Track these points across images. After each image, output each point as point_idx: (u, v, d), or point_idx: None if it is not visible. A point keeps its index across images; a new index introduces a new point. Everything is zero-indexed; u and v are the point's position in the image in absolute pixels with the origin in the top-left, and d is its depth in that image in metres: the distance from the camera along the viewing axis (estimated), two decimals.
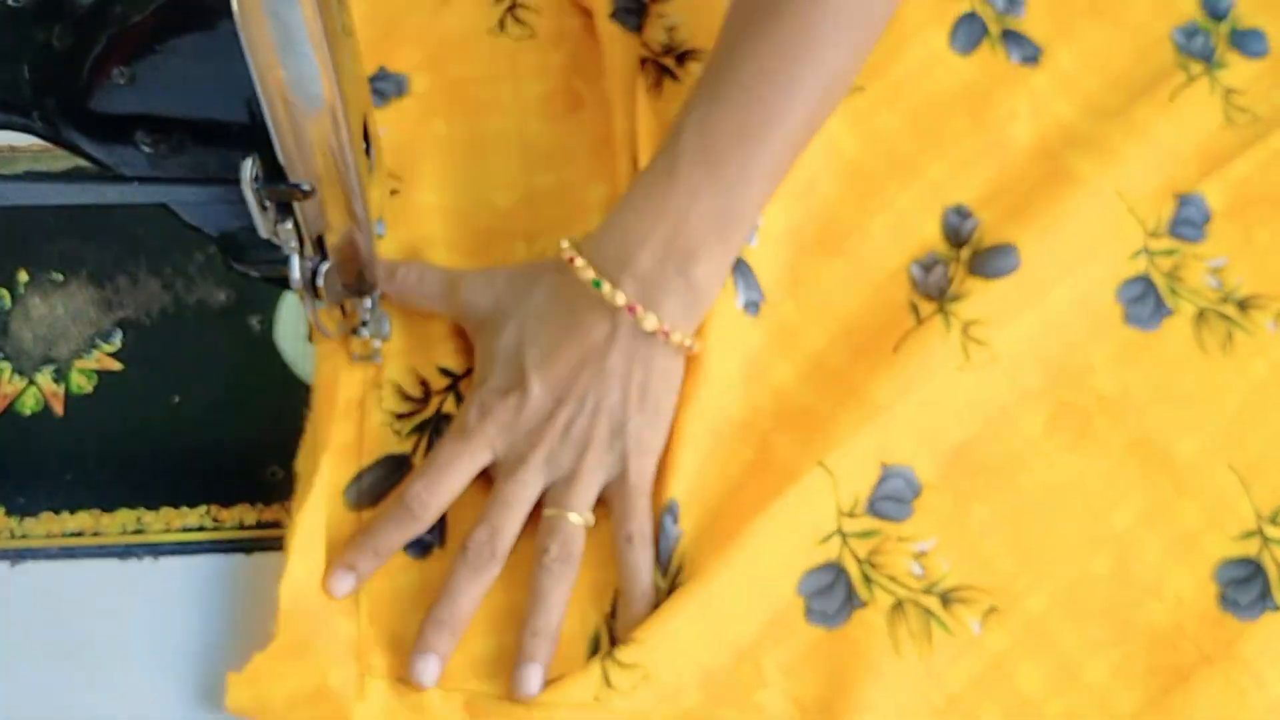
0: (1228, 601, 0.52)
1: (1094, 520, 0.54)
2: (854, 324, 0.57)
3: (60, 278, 0.57)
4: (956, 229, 0.59)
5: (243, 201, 0.37)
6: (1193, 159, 0.60)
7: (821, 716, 0.49)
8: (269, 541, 0.52)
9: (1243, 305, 0.58)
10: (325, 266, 0.43)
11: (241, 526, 0.52)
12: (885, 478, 0.53)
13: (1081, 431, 0.55)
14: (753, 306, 0.56)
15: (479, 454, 0.51)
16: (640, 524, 0.51)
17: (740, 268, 0.55)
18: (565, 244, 0.52)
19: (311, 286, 0.43)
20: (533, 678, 0.49)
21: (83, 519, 0.52)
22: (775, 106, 0.52)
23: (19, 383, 0.55)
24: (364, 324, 0.52)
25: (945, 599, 0.51)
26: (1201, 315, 0.58)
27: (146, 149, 0.38)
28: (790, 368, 0.56)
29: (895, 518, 0.53)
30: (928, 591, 0.52)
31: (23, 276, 0.57)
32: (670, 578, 0.50)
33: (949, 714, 0.50)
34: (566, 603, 0.50)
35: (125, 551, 0.52)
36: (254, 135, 0.36)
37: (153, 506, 0.52)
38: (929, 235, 0.59)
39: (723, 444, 0.53)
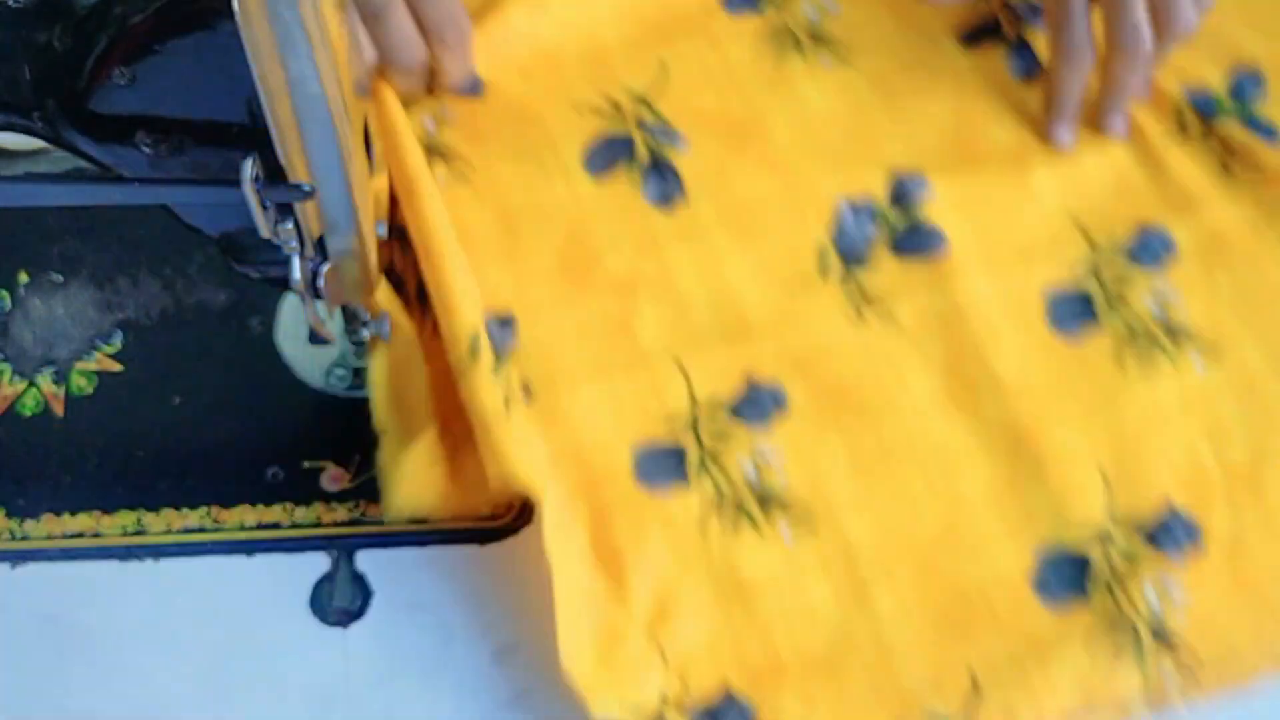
0: (1040, 584, 0.51)
1: (942, 477, 0.53)
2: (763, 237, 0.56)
3: (60, 279, 0.57)
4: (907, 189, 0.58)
5: (243, 202, 0.37)
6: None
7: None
8: (270, 542, 0.52)
9: (1174, 334, 0.56)
10: (326, 267, 0.43)
11: (242, 527, 0.52)
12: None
13: (967, 403, 0.54)
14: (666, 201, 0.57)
15: None
16: None
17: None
18: None
19: (312, 287, 0.43)
20: (457, 68, 0.54)
21: (83, 520, 0.52)
22: None
23: (19, 384, 0.55)
24: (364, 324, 0.52)
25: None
26: (1130, 332, 0.55)
27: (147, 150, 0.38)
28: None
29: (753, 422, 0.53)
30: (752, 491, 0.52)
31: (23, 277, 0.57)
32: None
33: None
34: None
35: (126, 553, 0.52)
36: (254, 135, 0.36)
37: (153, 508, 0.52)
38: (872, 183, 0.58)
39: None
